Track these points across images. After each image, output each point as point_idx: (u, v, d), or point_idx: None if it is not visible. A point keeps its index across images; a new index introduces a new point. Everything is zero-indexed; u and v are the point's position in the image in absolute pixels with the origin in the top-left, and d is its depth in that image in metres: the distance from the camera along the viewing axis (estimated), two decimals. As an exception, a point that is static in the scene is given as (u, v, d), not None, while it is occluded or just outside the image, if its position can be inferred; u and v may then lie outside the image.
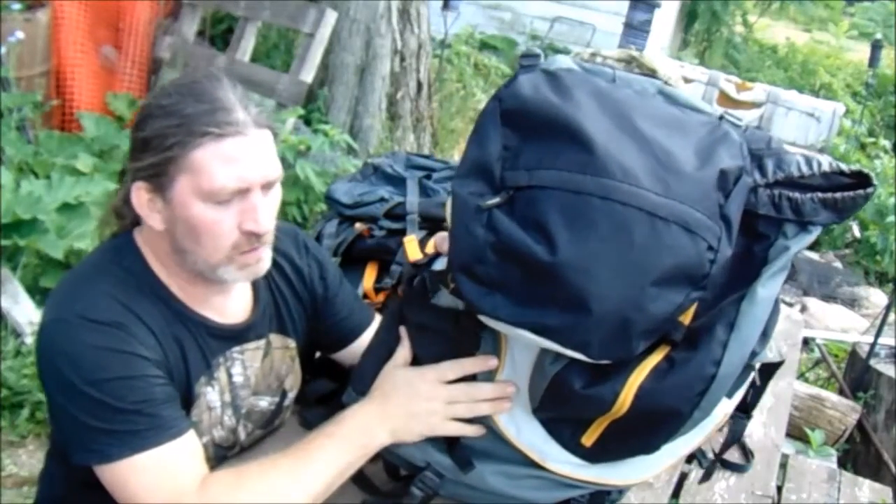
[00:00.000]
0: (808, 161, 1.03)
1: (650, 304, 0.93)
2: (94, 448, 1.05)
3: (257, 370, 1.27)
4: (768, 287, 1.02)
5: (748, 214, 1.01)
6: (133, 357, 1.07)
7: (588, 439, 1.07)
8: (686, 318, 1.00)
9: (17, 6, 3.83)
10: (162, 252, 1.16)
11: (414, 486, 1.16)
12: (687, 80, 6.96)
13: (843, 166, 1.04)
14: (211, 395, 1.20)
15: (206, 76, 1.14)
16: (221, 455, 1.24)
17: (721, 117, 1.06)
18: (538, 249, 0.92)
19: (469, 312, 1.05)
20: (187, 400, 1.17)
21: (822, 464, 1.97)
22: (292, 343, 1.33)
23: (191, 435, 1.10)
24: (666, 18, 8.93)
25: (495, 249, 0.94)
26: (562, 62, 1.06)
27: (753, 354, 1.05)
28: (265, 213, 1.12)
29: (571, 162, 0.95)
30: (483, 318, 1.00)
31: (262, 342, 1.27)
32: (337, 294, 1.37)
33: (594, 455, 1.10)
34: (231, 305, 1.24)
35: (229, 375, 1.23)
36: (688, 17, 10.19)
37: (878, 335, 3.09)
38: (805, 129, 7.63)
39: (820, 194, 1.01)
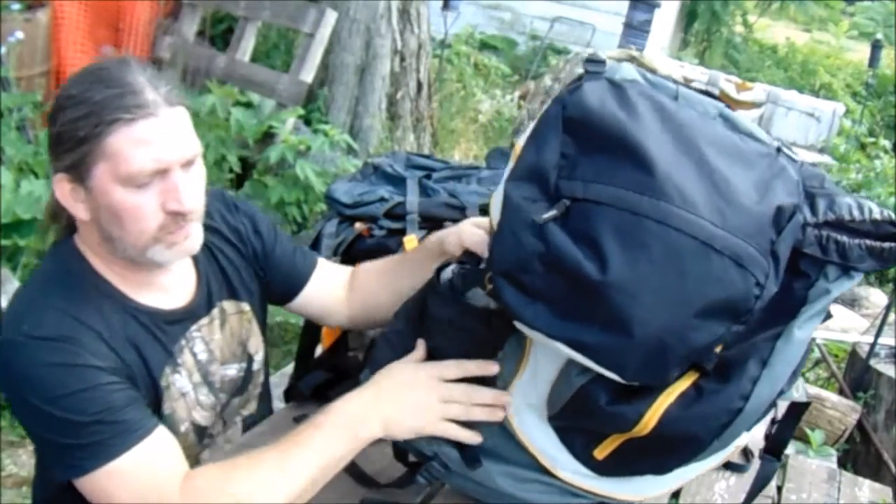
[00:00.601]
0: (860, 206, 1.02)
1: (691, 334, 0.93)
2: (68, 463, 1.05)
3: (220, 341, 1.26)
4: (805, 329, 1.02)
5: (793, 251, 1.00)
6: (86, 369, 1.06)
7: (601, 453, 1.07)
8: (717, 347, 0.99)
9: (17, 6, 3.83)
10: (95, 245, 1.15)
11: (420, 474, 1.16)
12: (687, 80, 6.97)
13: (894, 216, 1.03)
14: (180, 381, 1.20)
15: (113, 61, 1.12)
16: (205, 436, 1.24)
17: (778, 149, 1.05)
18: (588, 266, 0.91)
19: (501, 314, 1.04)
20: (156, 395, 1.16)
21: (822, 464, 1.96)
22: (246, 306, 1.32)
23: (161, 432, 1.08)
24: (666, 18, 8.93)
25: (543, 260, 0.93)
26: (626, 72, 1.04)
27: (780, 392, 1.04)
28: (187, 191, 1.10)
29: (630, 181, 0.94)
30: (518, 325, 0.99)
31: (214, 312, 1.27)
32: (274, 247, 1.36)
33: (604, 468, 1.09)
34: (176, 283, 1.22)
35: (193, 355, 1.22)
36: (688, 17, 10.19)
37: (878, 335, 3.09)
38: (805, 129, 7.63)
39: (868, 241, 1.01)
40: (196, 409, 1.22)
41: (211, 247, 1.26)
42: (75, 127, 1.06)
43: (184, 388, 1.20)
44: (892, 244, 1.01)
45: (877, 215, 1.02)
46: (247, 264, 1.33)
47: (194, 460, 1.22)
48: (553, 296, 0.94)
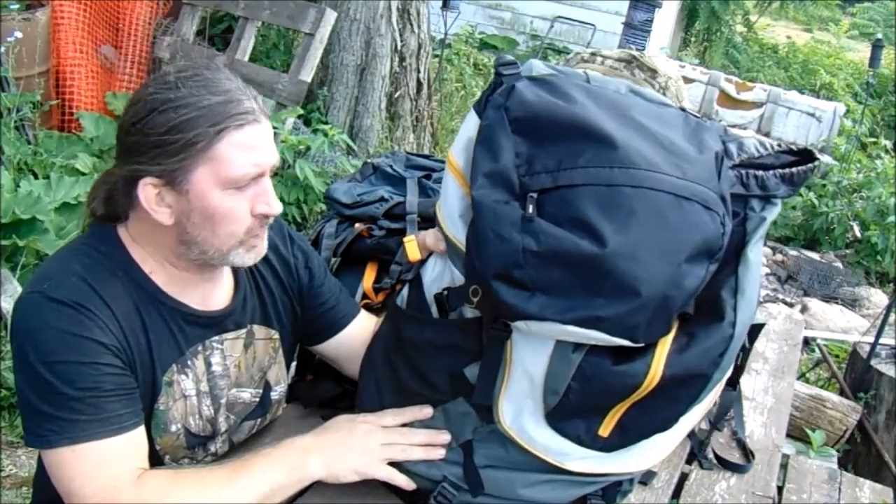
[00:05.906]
0: (762, 143, 1.14)
1: (685, 281, 1.00)
2: (38, 432, 1.06)
3: (238, 360, 1.26)
4: (755, 252, 1.11)
5: None
6: (88, 342, 1.07)
7: (605, 429, 1.10)
8: (700, 289, 1.07)
9: (16, 6, 3.83)
10: (156, 243, 1.16)
11: (434, 497, 1.20)
12: (687, 80, 6.96)
13: (792, 145, 1.15)
14: (185, 382, 1.20)
15: (205, 67, 1.13)
16: (196, 443, 1.24)
17: (682, 108, 1.16)
18: (585, 244, 0.96)
19: (479, 322, 1.07)
20: (154, 388, 1.17)
21: (822, 464, 1.96)
22: (276, 334, 1.32)
23: (137, 433, 1.10)
24: (666, 18, 8.93)
25: (534, 252, 0.97)
26: (538, 67, 1.11)
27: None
28: (274, 195, 1.16)
29: (596, 158, 1.00)
30: (518, 324, 1.01)
31: (242, 332, 1.27)
32: (323, 283, 1.37)
33: (612, 444, 1.12)
34: (214, 293, 1.24)
35: (207, 364, 1.22)
36: (688, 16, 10.19)
37: (878, 335, 3.08)
38: (806, 128, 7.63)
39: (780, 171, 1.12)
40: (193, 415, 1.21)
41: (254, 271, 1.28)
42: (180, 130, 1.06)
43: (187, 391, 1.20)
44: (800, 168, 1.12)
45: (776, 147, 1.14)
46: (286, 297, 1.34)
47: (178, 461, 1.23)
48: (552, 283, 0.97)
